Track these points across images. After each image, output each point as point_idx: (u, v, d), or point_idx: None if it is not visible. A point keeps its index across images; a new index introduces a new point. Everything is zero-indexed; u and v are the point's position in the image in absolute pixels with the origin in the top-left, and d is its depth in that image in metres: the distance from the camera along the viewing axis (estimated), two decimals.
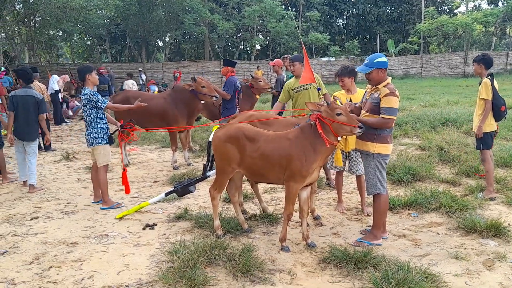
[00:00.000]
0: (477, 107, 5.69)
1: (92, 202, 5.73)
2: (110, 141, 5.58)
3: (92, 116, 5.42)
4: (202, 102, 7.42)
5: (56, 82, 13.59)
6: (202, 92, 7.12)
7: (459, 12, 40.54)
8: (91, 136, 5.43)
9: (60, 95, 13.61)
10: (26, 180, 6.60)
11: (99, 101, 5.36)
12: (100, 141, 5.44)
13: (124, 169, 5.63)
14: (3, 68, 10.02)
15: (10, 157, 8.79)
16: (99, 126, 5.43)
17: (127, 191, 5.64)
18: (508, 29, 38.45)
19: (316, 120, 3.96)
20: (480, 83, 5.60)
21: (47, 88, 11.78)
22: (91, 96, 5.34)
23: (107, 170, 5.70)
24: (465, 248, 4.13)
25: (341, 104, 4.69)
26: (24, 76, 6.78)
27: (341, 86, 5.23)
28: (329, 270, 3.78)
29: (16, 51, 27.66)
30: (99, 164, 5.53)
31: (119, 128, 5.85)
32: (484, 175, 5.85)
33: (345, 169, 5.32)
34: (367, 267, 3.67)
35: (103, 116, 5.50)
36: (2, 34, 25.67)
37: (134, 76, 24.88)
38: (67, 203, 5.83)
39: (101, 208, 5.51)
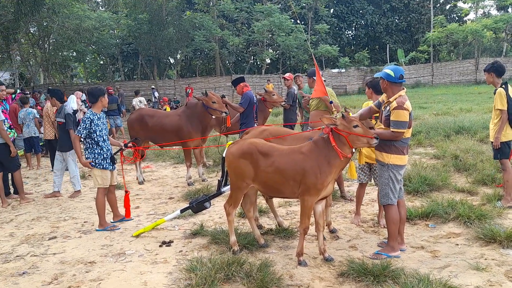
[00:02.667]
0: (493, 116, 5.63)
1: (111, 222, 5.74)
2: (113, 161, 5.55)
3: (89, 141, 5.40)
4: (213, 117, 7.51)
5: (74, 101, 13.80)
6: (213, 107, 7.20)
7: (468, 19, 40.38)
8: (90, 159, 5.40)
9: (77, 115, 13.82)
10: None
11: (79, 128, 5.33)
12: (96, 165, 5.41)
13: (126, 191, 5.74)
14: (18, 91, 10.27)
15: (27, 177, 8.95)
16: (96, 151, 5.40)
17: (127, 215, 5.74)
18: None
19: (329, 133, 3.98)
20: (495, 92, 5.55)
21: None
22: (84, 120, 5.33)
23: (106, 194, 5.57)
24: (486, 259, 4.06)
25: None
26: (57, 95, 8.17)
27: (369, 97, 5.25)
28: (347, 284, 3.74)
29: (31, 72, 28.34)
30: (95, 186, 5.55)
31: (123, 147, 5.93)
32: (502, 184, 5.75)
33: (368, 181, 5.33)
34: (386, 281, 3.63)
35: (101, 141, 5.41)
36: (18, 57, 26.34)
37: (147, 93, 25.28)
38: (84, 222, 5.89)
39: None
